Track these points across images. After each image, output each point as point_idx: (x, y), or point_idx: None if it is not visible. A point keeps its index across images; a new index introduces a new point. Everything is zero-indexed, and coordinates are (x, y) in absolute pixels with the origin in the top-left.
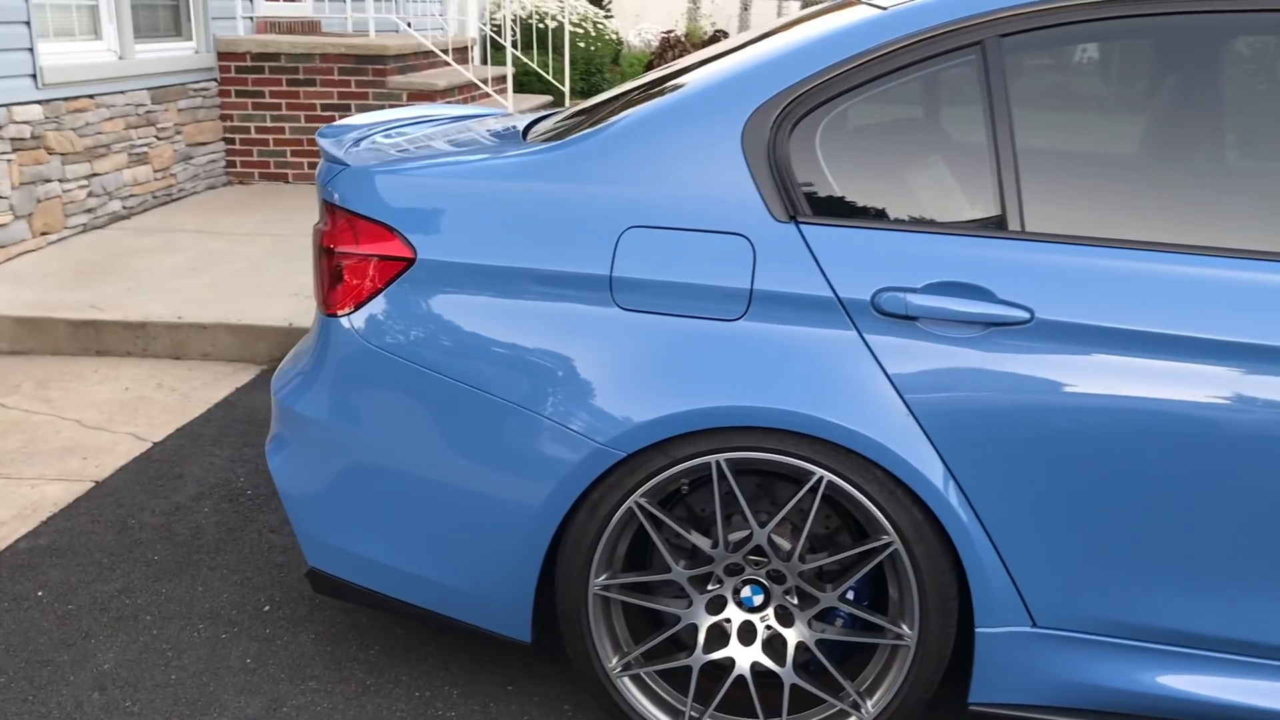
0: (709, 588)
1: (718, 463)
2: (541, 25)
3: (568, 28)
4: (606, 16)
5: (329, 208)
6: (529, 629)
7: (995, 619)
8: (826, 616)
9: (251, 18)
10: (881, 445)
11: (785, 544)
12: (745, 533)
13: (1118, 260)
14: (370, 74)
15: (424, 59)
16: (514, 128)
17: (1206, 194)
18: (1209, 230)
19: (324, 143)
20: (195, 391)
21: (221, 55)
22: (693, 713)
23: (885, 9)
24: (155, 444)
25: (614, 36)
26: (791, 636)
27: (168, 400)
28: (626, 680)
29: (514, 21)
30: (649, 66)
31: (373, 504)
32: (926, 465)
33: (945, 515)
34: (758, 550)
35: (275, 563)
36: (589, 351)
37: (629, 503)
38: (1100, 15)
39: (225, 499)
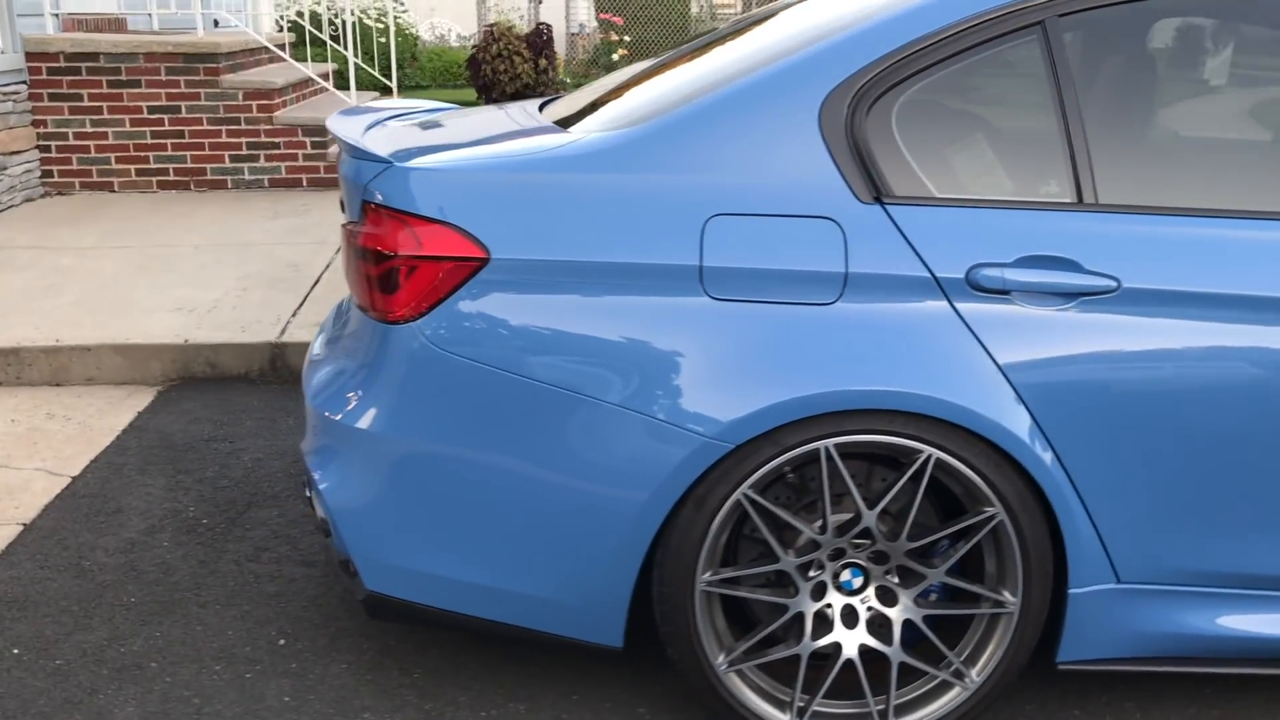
0: (810, 574)
1: (826, 448)
2: (336, 20)
3: (392, 22)
4: (403, 10)
5: (374, 209)
6: (621, 634)
7: (1085, 579)
8: (923, 592)
9: (58, 14)
10: (988, 419)
11: (880, 526)
12: (848, 516)
13: (1193, 227)
14: (201, 74)
15: (249, 56)
16: (527, 115)
17: (1270, 161)
18: (1277, 195)
19: (351, 139)
20: (93, 419)
21: (31, 56)
22: (800, 702)
23: None
24: (74, 478)
25: (412, 32)
26: (896, 615)
27: (66, 430)
28: (734, 676)
29: (302, 16)
30: (473, 60)
31: (446, 518)
32: (1028, 435)
33: (1046, 483)
34: (863, 533)
35: (268, 593)
36: (684, 344)
37: (737, 495)
38: None
39: (182, 531)
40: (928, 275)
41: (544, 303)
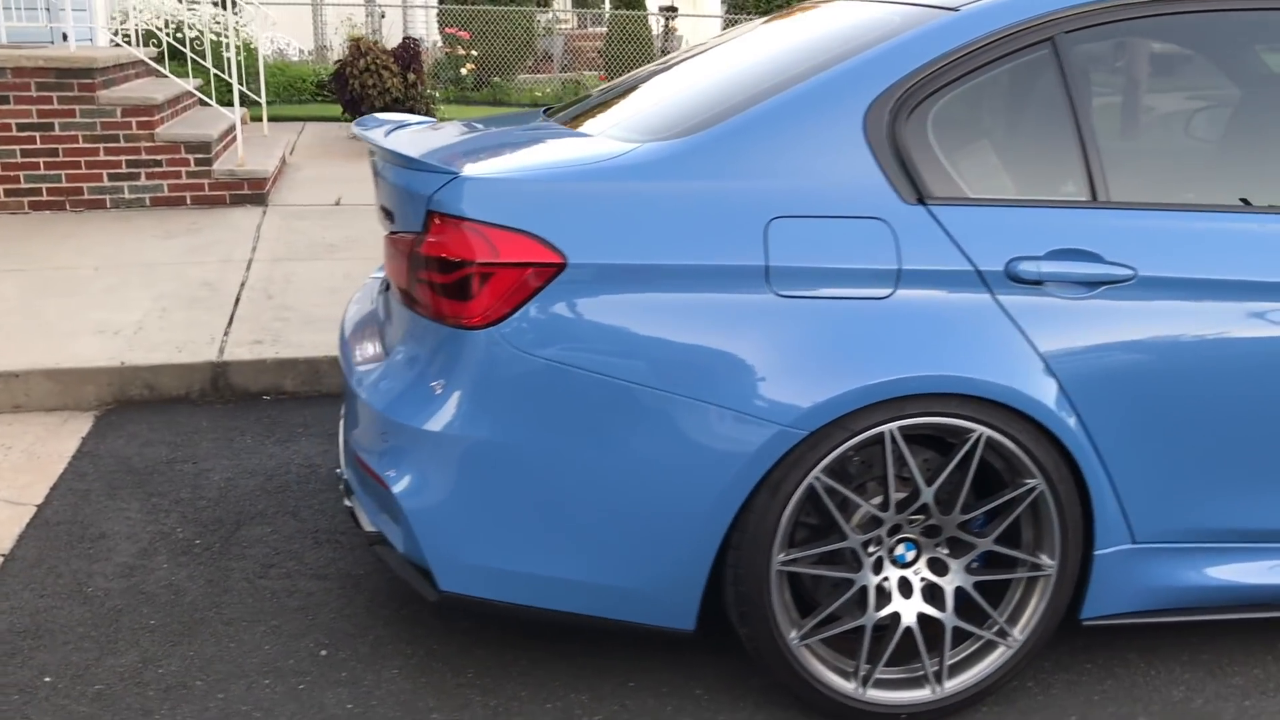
0: (870, 550)
1: (891, 432)
2: (178, 35)
3: (239, 36)
4: (242, 25)
5: (441, 218)
6: (695, 617)
7: (1107, 541)
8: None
9: None
10: (1032, 398)
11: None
12: (904, 494)
13: (1199, 221)
14: (76, 89)
15: (119, 71)
16: (544, 122)
17: (1261, 161)
18: (1268, 192)
19: (407, 151)
20: (37, 446)
21: None
22: (864, 670)
23: (958, 10)
24: (39, 506)
25: (254, 46)
26: (948, 583)
27: (11, 459)
28: (805, 650)
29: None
30: (339, 75)
31: (525, 515)
32: (1065, 412)
33: (1080, 454)
34: (919, 509)
35: (291, 607)
36: (756, 339)
37: (809, 479)
38: (1150, 13)
39: (177, 553)
40: (972, 269)
41: (619, 304)
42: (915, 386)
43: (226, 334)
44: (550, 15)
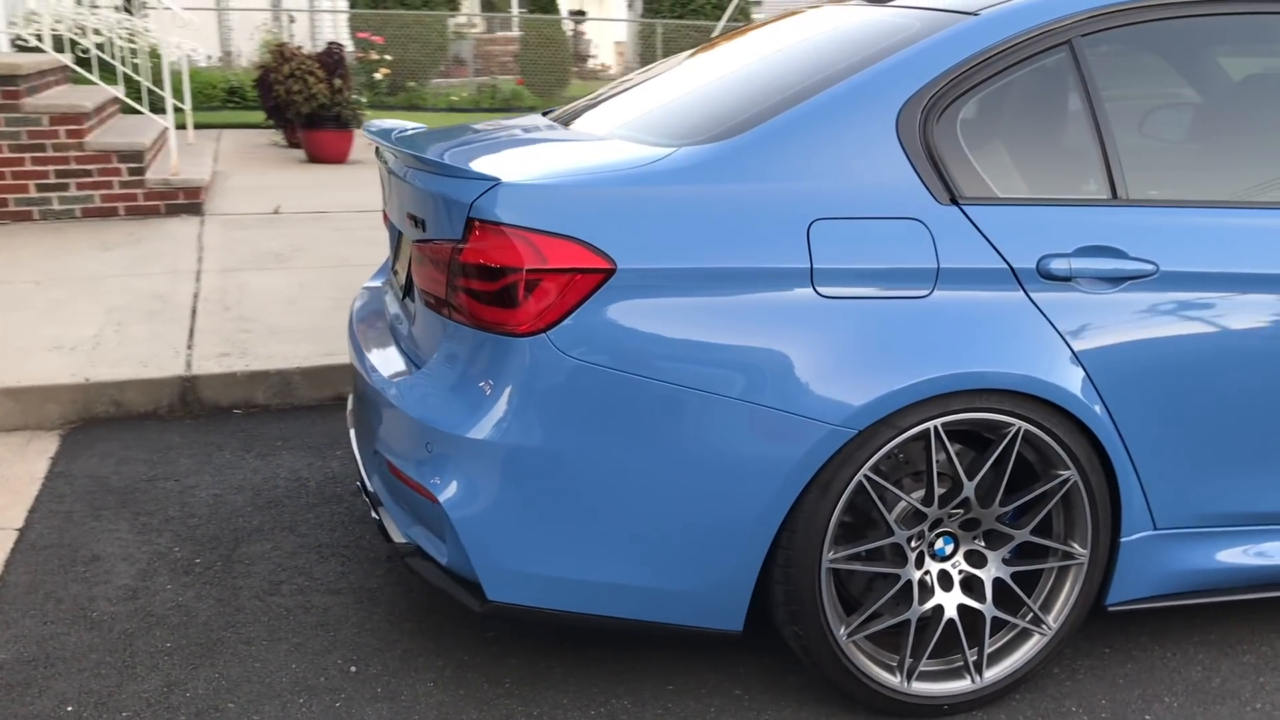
0: (913, 545)
1: (935, 428)
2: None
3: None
4: (147, 30)
5: (482, 225)
6: (743, 618)
7: (1132, 528)
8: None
9: None
10: (1067, 391)
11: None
12: (944, 489)
13: (1215, 217)
14: (1, 97)
15: (41, 78)
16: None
17: (1275, 157)
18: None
19: (442, 158)
20: (3, 469)
21: None
22: (909, 662)
23: (977, 14)
24: (20, 530)
25: (160, 52)
26: (988, 575)
27: None
28: (852, 646)
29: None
30: (262, 81)
31: (576, 521)
32: (1095, 403)
33: (1110, 446)
34: (960, 504)
35: (310, 624)
36: (802, 340)
37: (858, 476)
38: (1162, 15)
39: (179, 573)
40: (1005, 266)
41: (669, 308)
42: (959, 383)
43: (190, 347)
44: (463, 19)
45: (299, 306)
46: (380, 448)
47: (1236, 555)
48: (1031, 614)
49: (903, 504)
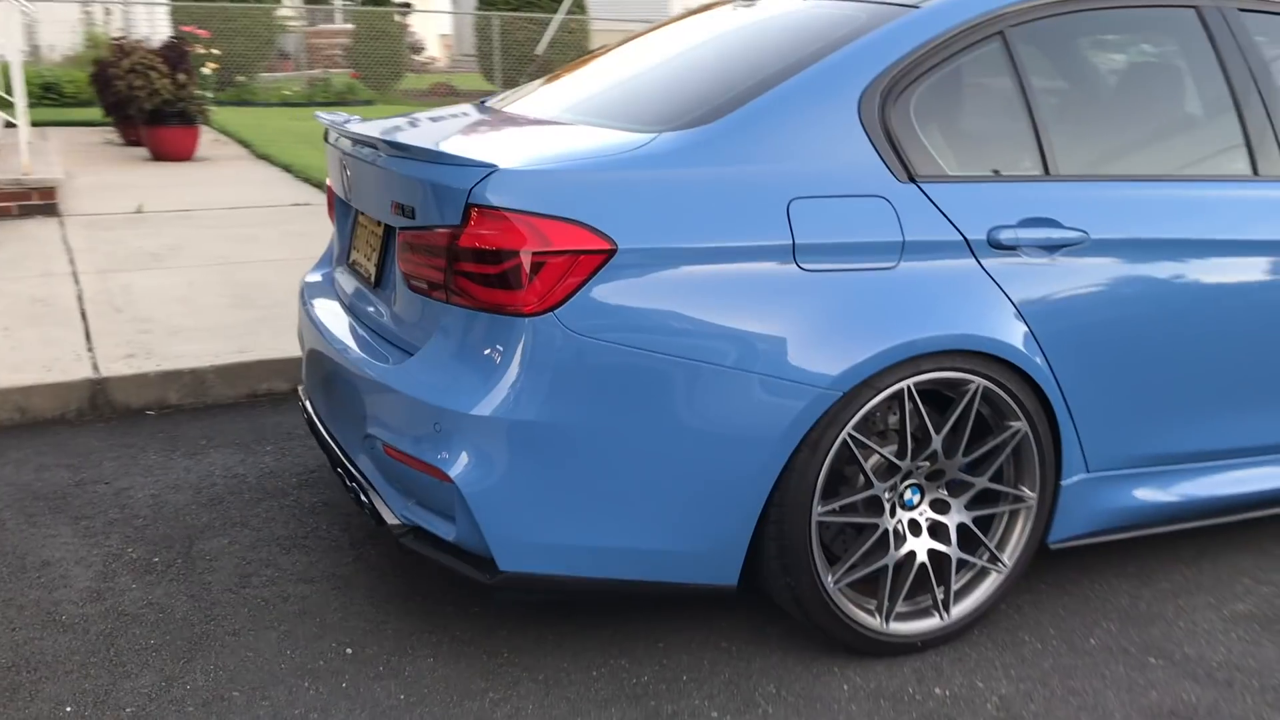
0: (887, 497)
1: (909, 387)
2: None
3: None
4: None
5: (481, 210)
6: (738, 573)
7: (1070, 472)
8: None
9: None
10: (1018, 350)
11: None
12: (912, 445)
13: (1137, 189)
14: None
15: None
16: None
17: (1183, 136)
18: (1189, 163)
19: (434, 146)
20: None
21: None
22: (887, 605)
23: (918, 7)
24: None
25: None
26: (952, 520)
27: None
28: (839, 593)
29: None
30: (100, 76)
31: (586, 490)
32: (1041, 361)
33: (1054, 398)
34: (929, 456)
35: (292, 612)
36: (789, 311)
37: (843, 435)
38: (1083, 8)
39: (141, 571)
40: (960, 238)
41: (665, 286)
42: (928, 346)
43: (91, 350)
44: (289, 11)
45: (194, 306)
46: (374, 431)
47: (1156, 493)
48: (989, 553)
49: (876, 458)
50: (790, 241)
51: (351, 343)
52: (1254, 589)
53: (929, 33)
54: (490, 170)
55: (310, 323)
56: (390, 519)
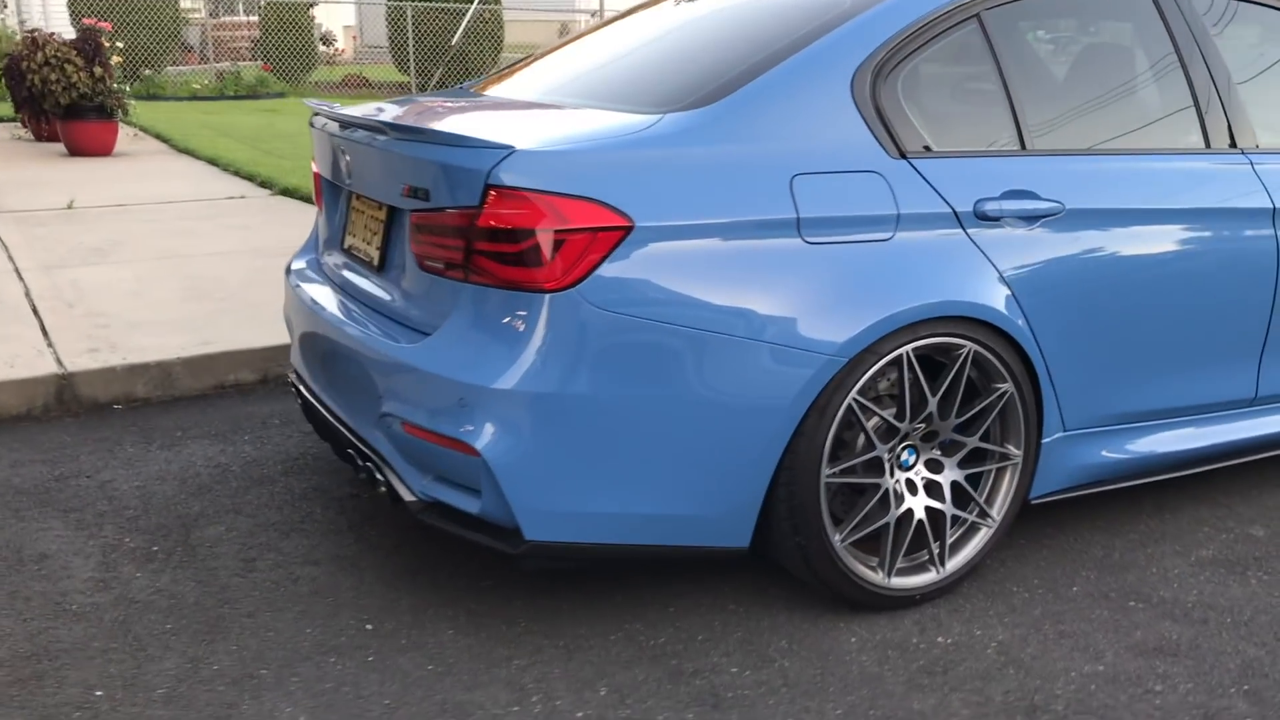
0: (886, 458)
1: (907, 353)
2: None
3: None
4: None
5: (500, 191)
6: (749, 535)
7: (1050, 431)
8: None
9: None
10: (1005, 315)
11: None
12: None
13: (1109, 163)
14: None
15: None
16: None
17: (1149, 111)
18: (1153, 138)
19: (452, 129)
20: None
21: None
22: (889, 560)
23: None
24: None
25: None
26: (945, 479)
27: None
28: (845, 551)
29: None
30: (11, 70)
31: (609, 459)
32: (1025, 325)
33: (1036, 360)
34: (925, 418)
35: (304, 593)
36: (796, 283)
37: (848, 399)
38: None
39: (143, 560)
40: (950, 210)
41: (680, 260)
42: (926, 313)
43: (50, 345)
44: (190, 3)
45: (148, 299)
46: (392, 409)
47: (1126, 449)
48: (979, 509)
49: (877, 420)
50: (795, 216)
51: (359, 325)
52: (1214, 536)
53: (912, 15)
54: (508, 152)
55: (305, 307)
56: (408, 496)
